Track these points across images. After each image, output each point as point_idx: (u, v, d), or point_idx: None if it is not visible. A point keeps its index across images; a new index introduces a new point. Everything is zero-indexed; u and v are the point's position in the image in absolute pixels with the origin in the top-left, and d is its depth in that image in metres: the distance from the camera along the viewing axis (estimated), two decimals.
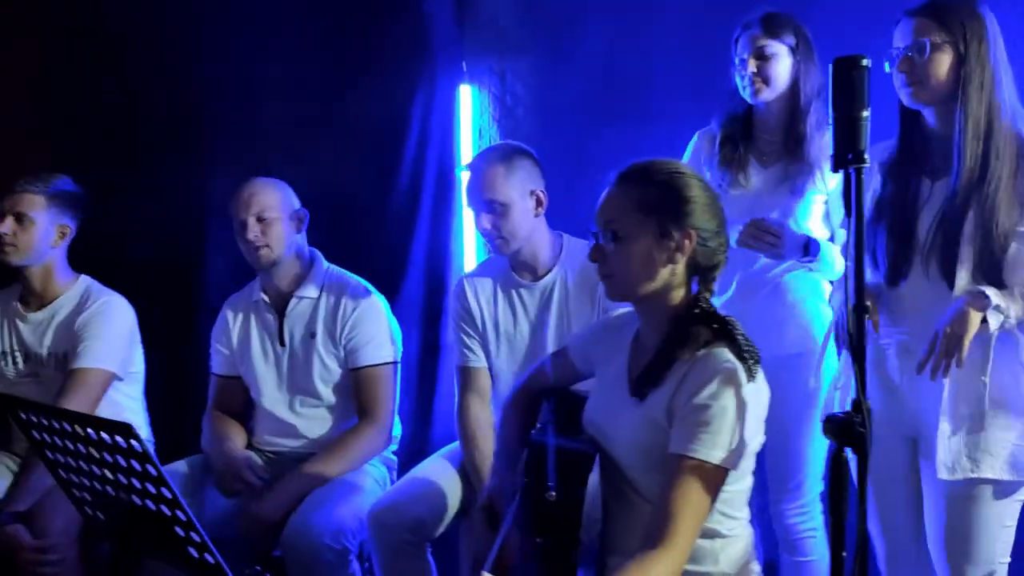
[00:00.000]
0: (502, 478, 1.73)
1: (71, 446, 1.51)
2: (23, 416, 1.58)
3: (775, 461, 2.21)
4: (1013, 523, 1.79)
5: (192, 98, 3.02)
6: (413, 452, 2.69)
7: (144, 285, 2.77)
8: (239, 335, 2.46)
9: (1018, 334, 1.73)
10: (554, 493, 1.49)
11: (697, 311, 1.50)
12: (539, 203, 2.21)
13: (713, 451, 1.39)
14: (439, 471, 2.24)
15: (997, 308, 1.66)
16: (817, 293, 2.23)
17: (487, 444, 2.19)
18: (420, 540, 2.11)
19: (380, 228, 2.93)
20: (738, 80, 2.23)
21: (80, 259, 2.59)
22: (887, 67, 1.79)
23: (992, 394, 1.72)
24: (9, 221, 2.42)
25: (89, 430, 1.41)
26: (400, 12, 2.92)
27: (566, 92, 2.89)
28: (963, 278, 1.70)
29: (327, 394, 2.39)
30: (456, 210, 2.98)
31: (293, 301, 2.40)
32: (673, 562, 1.36)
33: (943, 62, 1.74)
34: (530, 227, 2.20)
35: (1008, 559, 1.80)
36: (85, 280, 2.53)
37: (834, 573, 1.23)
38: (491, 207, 2.15)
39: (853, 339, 1.26)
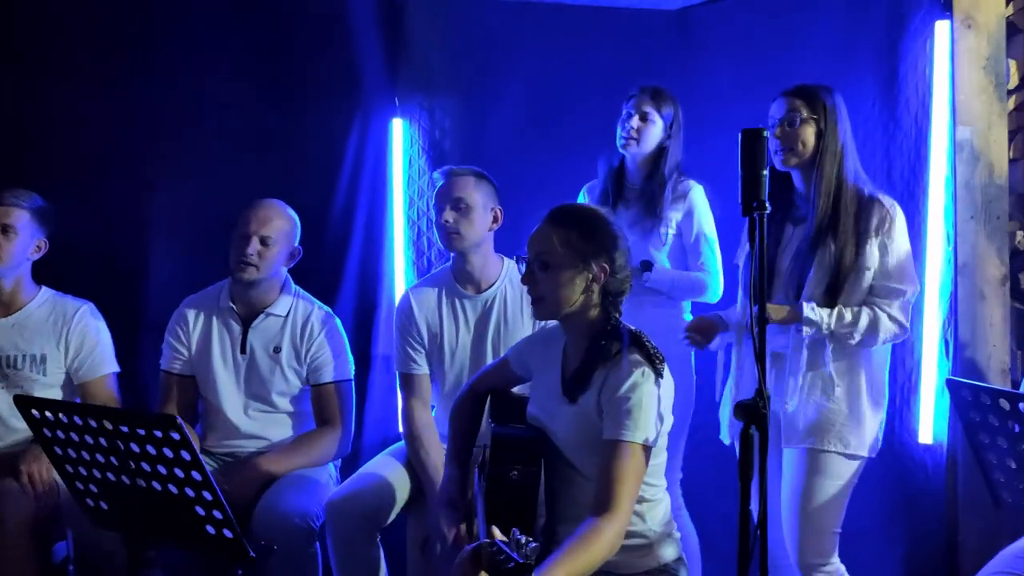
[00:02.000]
0: (456, 469, 2.04)
1: (90, 440, 1.69)
2: (35, 414, 1.76)
3: None
4: (842, 498, 2.24)
5: (133, 125, 3.12)
6: (347, 455, 2.91)
7: (87, 296, 2.83)
8: (200, 336, 2.62)
9: (828, 343, 2.21)
10: (516, 473, 1.79)
11: (609, 328, 1.84)
12: (495, 219, 2.54)
13: (637, 433, 1.73)
14: (388, 467, 2.50)
15: (809, 320, 2.16)
16: (669, 310, 2.67)
17: (430, 442, 2.48)
18: (373, 528, 2.37)
19: (316, 249, 3.07)
20: (618, 130, 2.69)
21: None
22: (765, 134, 2.22)
23: (825, 386, 2.22)
24: None
25: (121, 425, 1.61)
26: (338, 52, 3.15)
27: (488, 127, 3.23)
28: (810, 300, 2.20)
29: (282, 403, 2.61)
30: (387, 232, 3.23)
31: (261, 316, 2.60)
32: (619, 523, 1.69)
33: (809, 132, 2.24)
34: (483, 236, 2.52)
35: (839, 529, 2.27)
36: (47, 289, 2.67)
37: (741, 523, 1.58)
38: (457, 204, 2.48)
39: (756, 345, 1.63)
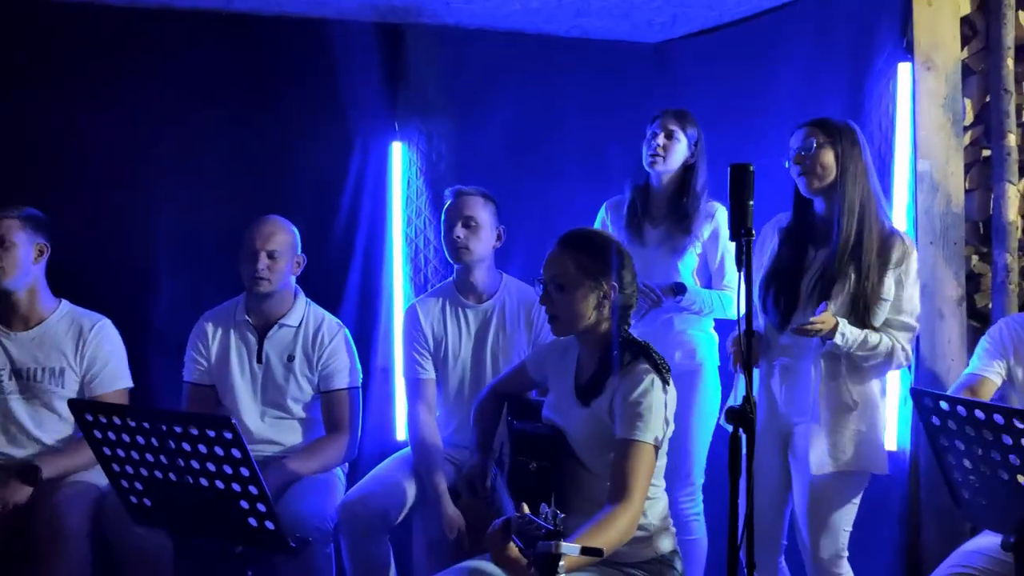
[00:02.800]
0: (481, 459, 2.23)
1: (142, 440, 1.84)
2: (88, 417, 1.91)
3: (670, 457, 2.76)
4: (856, 502, 2.43)
5: (143, 147, 3.24)
6: (354, 458, 3.04)
7: (98, 310, 2.93)
8: (218, 348, 2.77)
9: (845, 363, 2.36)
10: (534, 465, 1.99)
11: (621, 340, 2.05)
12: (498, 238, 2.75)
13: (647, 434, 1.93)
14: (398, 470, 2.67)
15: (843, 335, 2.28)
16: (698, 326, 2.85)
17: (434, 448, 2.65)
18: (383, 527, 2.53)
19: (319, 264, 3.20)
20: (644, 149, 2.83)
21: None
22: (787, 164, 2.40)
23: (845, 411, 2.36)
24: None
25: (175, 426, 1.76)
26: (342, 79, 3.32)
27: (481, 151, 3.43)
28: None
29: (296, 409, 2.77)
30: (386, 249, 3.40)
31: (275, 327, 2.76)
32: (633, 511, 1.88)
33: (828, 155, 2.34)
34: (487, 252, 2.73)
35: (850, 528, 2.44)
36: (66, 303, 2.79)
37: (731, 514, 1.77)
38: (468, 222, 2.68)
39: (744, 355, 1.83)
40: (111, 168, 3.25)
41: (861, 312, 2.33)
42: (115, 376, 2.75)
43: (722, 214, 2.81)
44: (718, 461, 2.87)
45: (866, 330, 2.33)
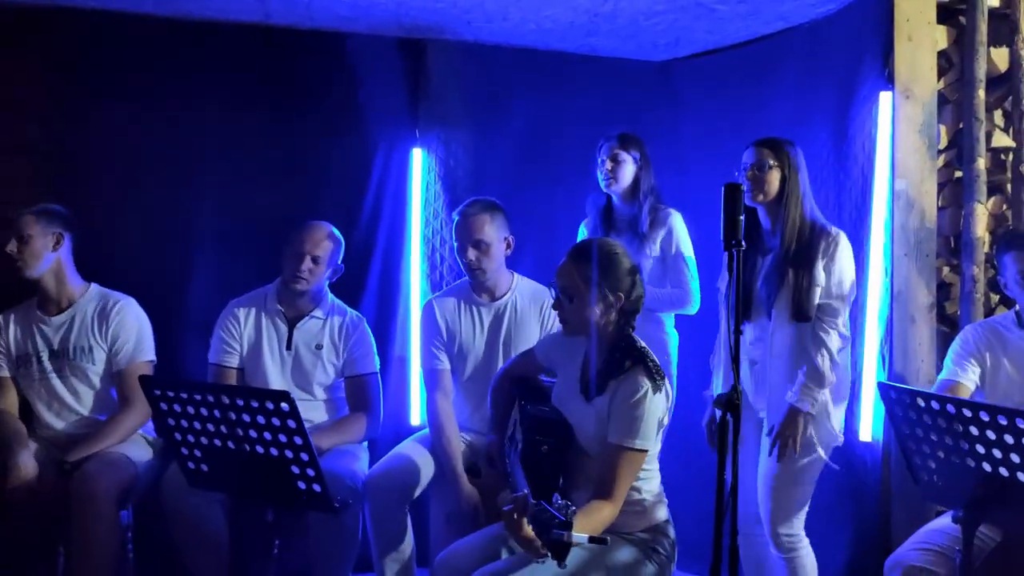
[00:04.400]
0: (498, 437, 2.48)
1: (205, 412, 2.10)
2: (156, 392, 2.17)
3: None
4: (811, 484, 2.72)
5: (182, 146, 3.47)
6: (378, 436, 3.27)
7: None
8: (250, 333, 3.01)
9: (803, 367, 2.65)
10: (546, 447, 2.23)
11: (623, 343, 2.25)
12: (508, 246, 2.99)
13: (636, 441, 2.13)
14: (416, 450, 2.93)
15: (813, 403, 2.59)
16: (658, 328, 3.15)
17: (451, 431, 2.91)
18: (404, 500, 2.79)
19: (343, 261, 3.40)
20: (599, 175, 3.18)
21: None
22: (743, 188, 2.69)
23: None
24: (13, 242, 2.92)
25: (237, 399, 2.03)
26: (368, 89, 3.59)
27: (496, 158, 3.69)
28: (780, 318, 2.65)
29: (320, 393, 3.03)
30: (405, 248, 3.66)
31: (305, 318, 3.02)
32: (614, 508, 2.10)
33: (775, 176, 2.70)
34: (499, 264, 2.96)
35: (806, 508, 2.72)
36: (96, 286, 3.04)
37: (718, 490, 2.04)
38: (478, 245, 2.90)
39: (732, 350, 2.09)
40: (155, 169, 3.48)
41: (802, 304, 2.63)
42: (138, 350, 2.98)
43: (676, 219, 3.14)
44: (681, 452, 3.17)
45: (814, 377, 2.60)
